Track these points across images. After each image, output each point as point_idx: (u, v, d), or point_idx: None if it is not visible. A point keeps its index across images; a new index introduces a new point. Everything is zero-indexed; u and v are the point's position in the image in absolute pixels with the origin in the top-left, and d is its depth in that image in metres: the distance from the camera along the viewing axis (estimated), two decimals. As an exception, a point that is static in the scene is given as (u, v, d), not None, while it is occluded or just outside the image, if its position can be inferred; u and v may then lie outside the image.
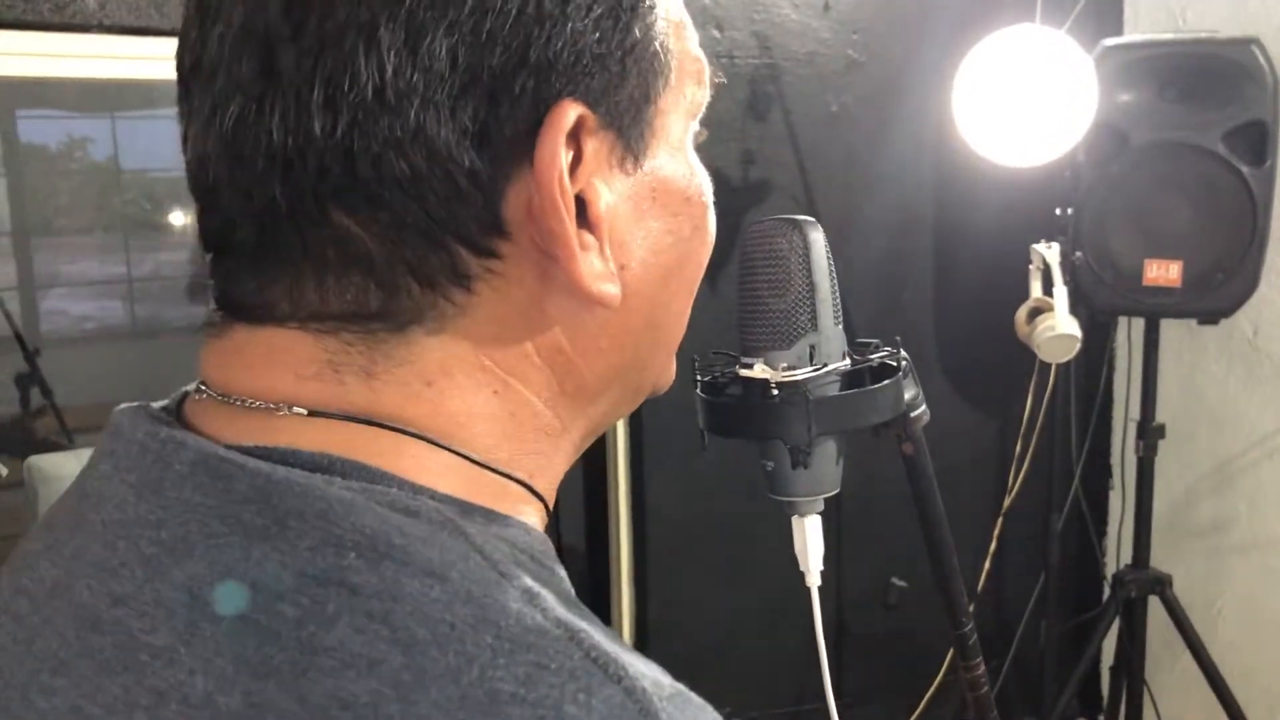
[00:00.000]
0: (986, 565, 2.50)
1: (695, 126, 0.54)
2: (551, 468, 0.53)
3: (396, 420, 0.46)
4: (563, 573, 0.48)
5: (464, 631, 0.39)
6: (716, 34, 2.16)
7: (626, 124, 0.48)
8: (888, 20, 2.32)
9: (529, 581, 0.43)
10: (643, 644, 2.24)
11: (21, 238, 4.82)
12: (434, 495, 0.45)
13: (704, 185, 0.53)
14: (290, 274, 0.46)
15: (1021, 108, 1.89)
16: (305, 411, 0.46)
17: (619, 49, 0.46)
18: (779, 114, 2.24)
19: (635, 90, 0.47)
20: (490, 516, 0.47)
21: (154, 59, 1.84)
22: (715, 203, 0.54)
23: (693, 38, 0.53)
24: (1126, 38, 2.20)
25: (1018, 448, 2.48)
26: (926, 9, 2.33)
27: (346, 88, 0.42)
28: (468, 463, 0.48)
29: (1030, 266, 2.11)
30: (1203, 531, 2.58)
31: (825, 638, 0.76)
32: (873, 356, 0.75)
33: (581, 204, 0.46)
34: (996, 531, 2.50)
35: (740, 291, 0.71)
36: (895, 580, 2.46)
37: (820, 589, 0.77)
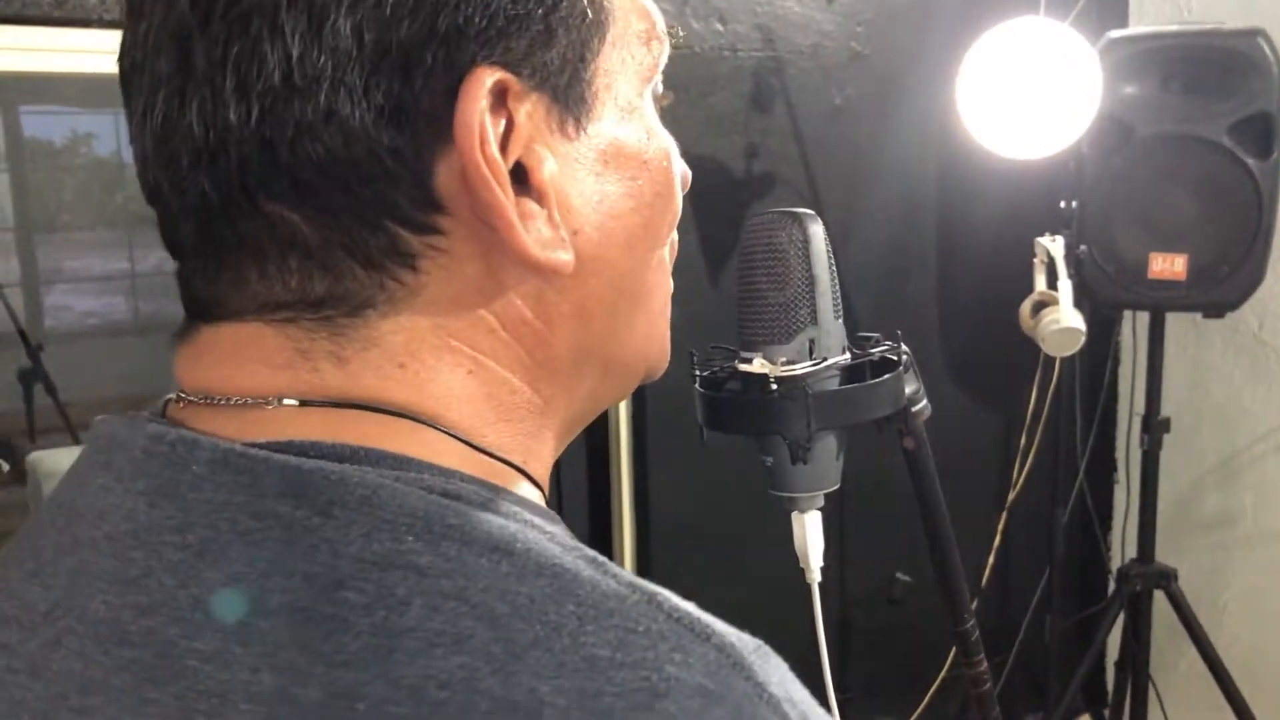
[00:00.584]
0: (990, 560, 2.50)
1: (654, 89, 0.53)
2: (541, 450, 0.52)
3: (383, 405, 0.46)
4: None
5: (544, 603, 0.39)
6: (720, 27, 2.15)
7: (561, 86, 0.46)
8: (891, 13, 2.30)
9: (589, 551, 0.43)
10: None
11: (25, 233, 4.82)
12: (462, 477, 0.45)
13: (666, 149, 0.52)
14: (231, 266, 0.46)
15: (1026, 100, 1.88)
16: (296, 402, 0.45)
17: (539, 8, 0.45)
18: (782, 107, 2.23)
19: (567, 50, 0.46)
20: (515, 498, 0.47)
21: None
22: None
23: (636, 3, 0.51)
24: (1131, 30, 2.18)
25: (1021, 442, 2.47)
26: (930, 1, 2.32)
27: (255, 75, 0.42)
28: (466, 446, 0.47)
29: (1034, 260, 2.11)
30: (1208, 525, 2.57)
31: (828, 633, 0.75)
32: (873, 351, 0.74)
33: (524, 171, 0.46)
34: (1000, 526, 2.50)
35: (740, 285, 0.71)
36: (899, 575, 2.46)
37: (823, 584, 0.76)
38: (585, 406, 0.55)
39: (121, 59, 0.47)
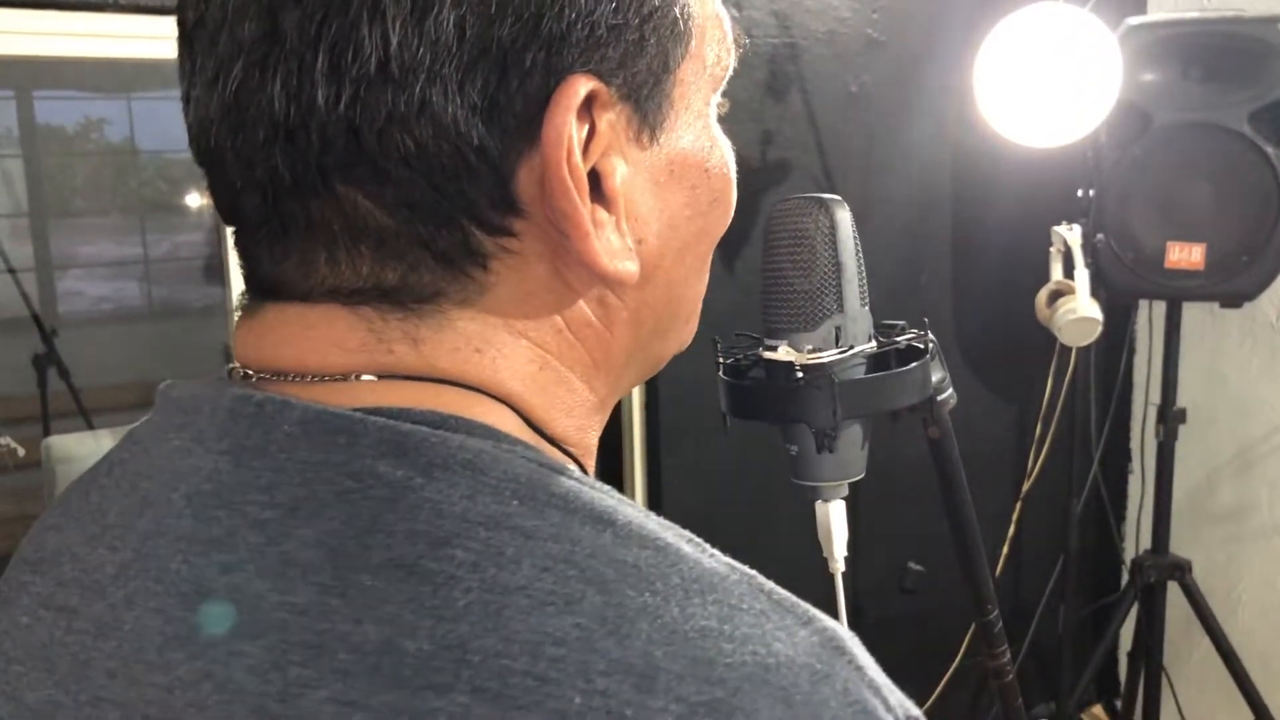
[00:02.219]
0: (1005, 549, 2.49)
1: (718, 96, 0.52)
2: (590, 444, 0.53)
3: (463, 381, 0.46)
4: None
5: (650, 573, 0.40)
6: (735, 13, 2.14)
7: (644, 96, 0.46)
8: (908, -1, 2.29)
9: (685, 531, 0.43)
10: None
11: (39, 219, 4.84)
12: (543, 455, 0.45)
13: (726, 156, 0.52)
14: (300, 247, 0.45)
15: (1043, 87, 1.86)
16: (374, 378, 0.45)
17: (636, 18, 0.44)
18: (798, 94, 2.22)
19: (654, 61, 0.46)
20: (593, 481, 0.47)
21: (171, 39, 1.83)
22: (736, 183, 0.53)
23: (715, 10, 0.51)
24: (1150, 16, 2.17)
25: (1037, 432, 2.46)
26: (947, -12, 2.31)
27: (350, 58, 0.41)
28: (536, 433, 0.48)
29: (1051, 249, 2.09)
30: (1223, 517, 2.56)
31: (839, 622, 0.75)
32: (899, 339, 0.74)
33: (597, 178, 0.45)
34: (1015, 515, 2.49)
35: (764, 272, 0.70)
36: (912, 564, 2.45)
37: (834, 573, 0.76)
38: (624, 390, 0.56)
39: (185, 9, 0.46)
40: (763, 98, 2.19)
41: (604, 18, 0.43)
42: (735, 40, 0.53)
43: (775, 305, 0.69)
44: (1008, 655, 0.87)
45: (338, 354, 0.45)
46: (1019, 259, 2.27)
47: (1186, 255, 2.09)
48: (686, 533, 0.43)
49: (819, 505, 0.73)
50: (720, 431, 0.73)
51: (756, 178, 2.18)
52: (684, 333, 0.57)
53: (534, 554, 0.39)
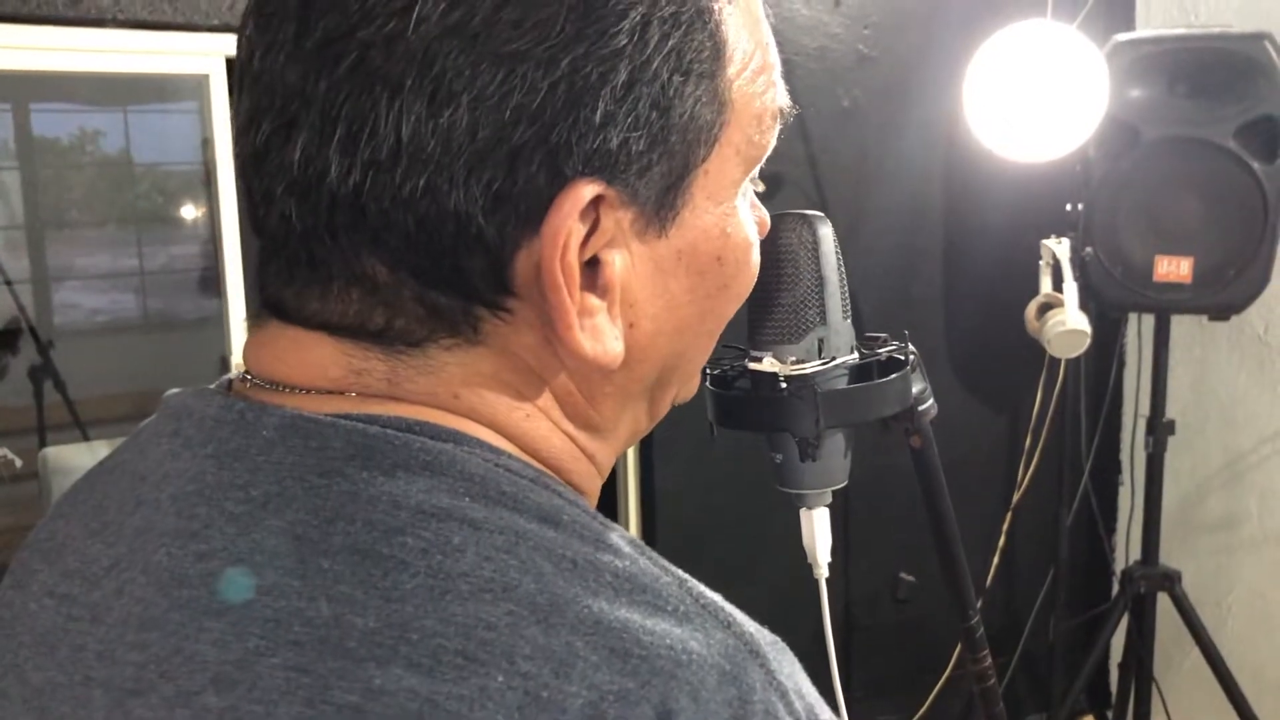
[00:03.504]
0: (995, 560, 2.50)
1: (755, 171, 0.53)
2: (590, 479, 0.55)
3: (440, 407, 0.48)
4: None
5: (585, 568, 0.42)
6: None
7: (656, 198, 0.47)
8: (899, 15, 2.31)
9: (630, 534, 0.46)
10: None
11: (35, 231, 4.84)
12: (510, 456, 0.48)
13: (745, 241, 0.52)
14: (303, 279, 0.47)
15: (1032, 103, 1.89)
16: (355, 394, 0.47)
17: (654, 131, 0.45)
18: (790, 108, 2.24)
19: (674, 165, 0.47)
20: (560, 484, 0.49)
21: (167, 53, 1.85)
22: None
23: (772, 81, 0.51)
24: (1138, 33, 2.19)
25: (1027, 443, 2.48)
26: (938, 3, 2.33)
27: (365, 139, 0.43)
28: (524, 453, 0.50)
29: (1040, 262, 2.11)
30: (1213, 527, 2.57)
31: (834, 632, 0.77)
32: (881, 350, 0.75)
33: (597, 264, 0.47)
34: (1005, 526, 2.51)
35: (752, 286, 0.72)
36: (904, 575, 2.46)
37: (829, 582, 0.78)
38: (624, 444, 0.57)
39: (240, 46, 0.48)
40: (755, 112, 2.21)
41: (618, 131, 0.44)
42: (782, 114, 0.52)
43: (760, 318, 0.71)
44: (989, 660, 0.89)
45: (322, 380, 0.48)
46: (1009, 272, 2.29)
47: (1175, 268, 2.11)
48: (631, 535, 0.46)
49: (803, 512, 0.75)
50: (712, 442, 0.75)
51: (749, 191, 2.20)
52: (682, 391, 0.58)
53: (479, 544, 0.42)
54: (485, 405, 0.48)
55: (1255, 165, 2.01)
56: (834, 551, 0.77)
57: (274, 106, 0.45)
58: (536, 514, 0.44)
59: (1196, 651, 2.24)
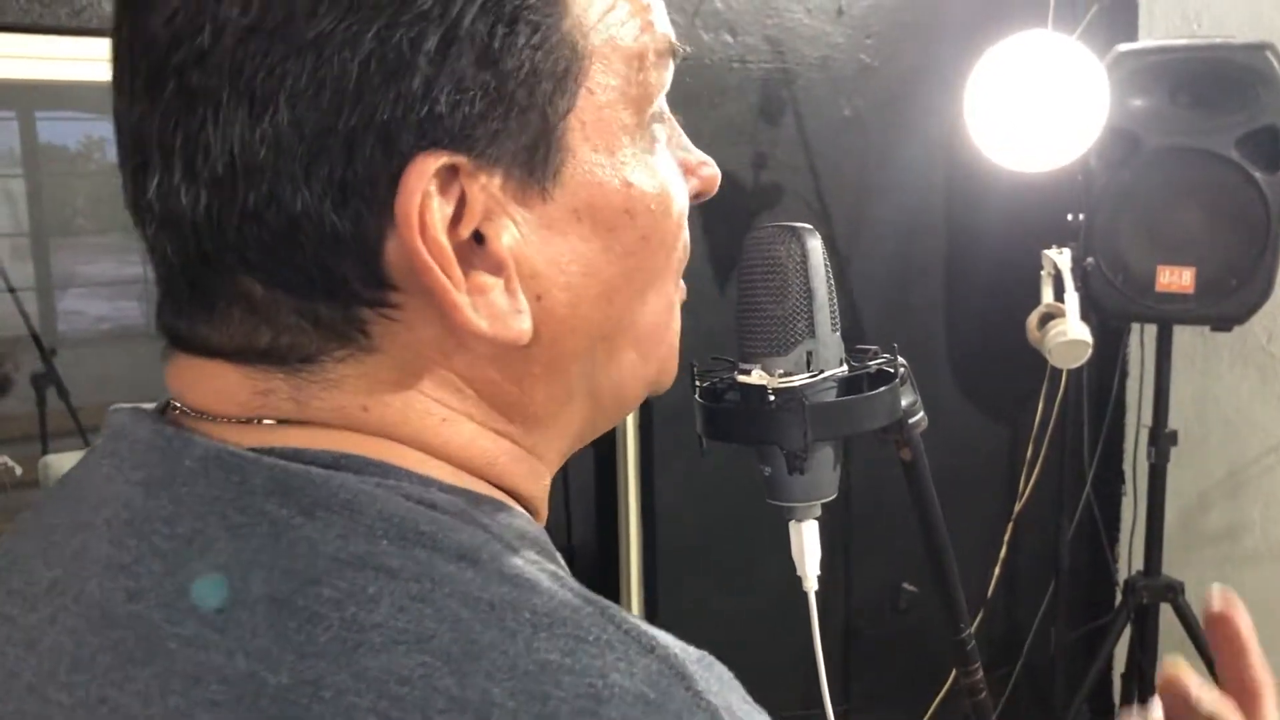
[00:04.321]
0: (997, 571, 2.50)
1: (657, 111, 0.50)
2: (531, 481, 0.53)
3: (361, 428, 0.47)
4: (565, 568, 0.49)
5: (503, 609, 0.41)
6: (729, 38, 2.17)
7: (522, 154, 0.45)
8: (901, 25, 2.32)
9: (550, 565, 0.45)
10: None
11: (39, 238, 4.85)
12: (441, 487, 0.46)
13: (656, 188, 0.50)
14: (188, 308, 0.47)
15: (1032, 113, 1.89)
16: (274, 422, 0.47)
17: (489, 90, 0.44)
18: (791, 118, 2.24)
19: (528, 116, 0.45)
20: (496, 505, 0.48)
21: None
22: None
23: (646, 19, 0.49)
24: (1140, 43, 2.19)
25: (1028, 453, 2.47)
26: (939, 14, 2.33)
27: (201, 161, 0.43)
28: (450, 466, 0.49)
29: (1042, 272, 2.11)
30: (1216, 539, 2.57)
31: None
32: (870, 363, 0.75)
33: (484, 242, 0.46)
34: (1007, 537, 2.50)
35: (739, 298, 0.72)
36: (905, 585, 2.46)
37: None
38: (583, 433, 0.55)
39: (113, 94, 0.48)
40: (756, 122, 2.21)
41: (444, 93, 0.43)
42: (670, 50, 0.50)
43: (749, 330, 0.71)
44: (981, 673, 0.89)
45: (233, 406, 0.47)
46: (1011, 282, 2.28)
47: (1176, 279, 2.10)
48: (553, 566, 0.45)
49: (792, 525, 0.74)
50: (704, 454, 0.75)
51: (750, 201, 2.21)
52: (649, 369, 0.55)
53: (394, 593, 0.41)
54: (397, 416, 0.47)
55: (1257, 175, 2.01)
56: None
57: (128, 150, 0.46)
58: (455, 553, 0.43)
59: (1200, 663, 2.23)
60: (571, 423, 0.54)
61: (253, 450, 0.45)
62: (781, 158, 2.25)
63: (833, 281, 0.71)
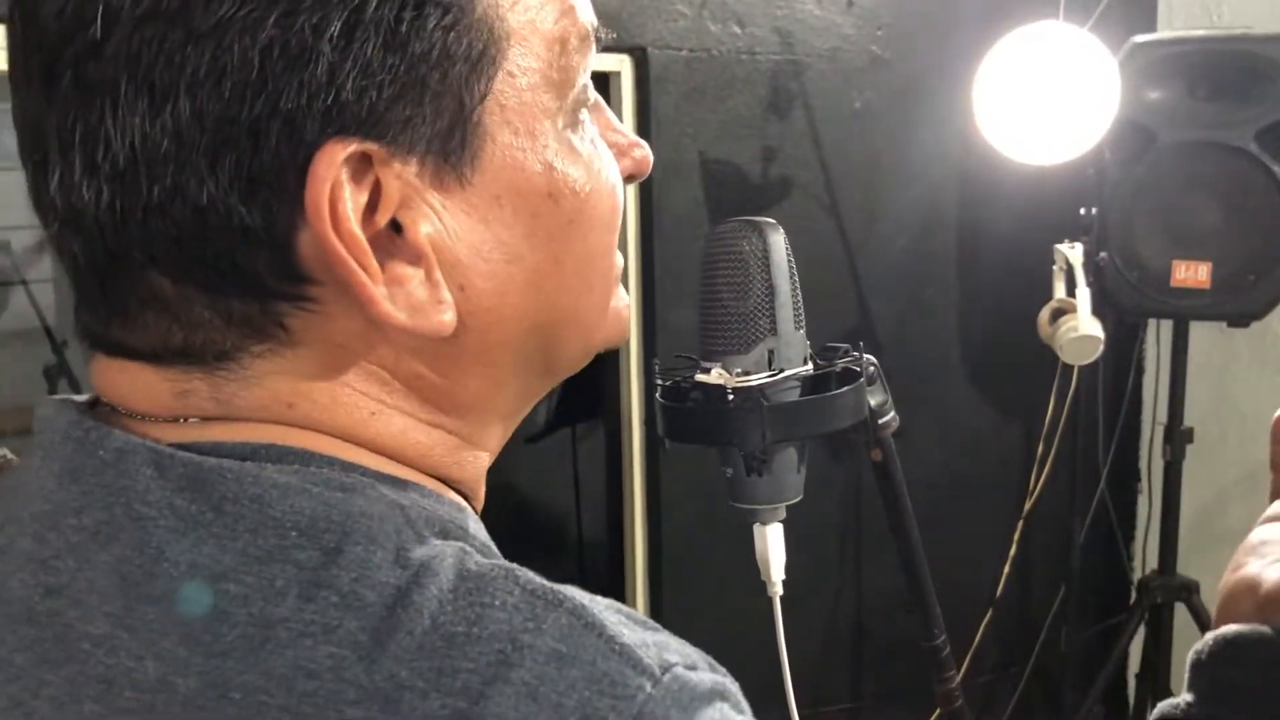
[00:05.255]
0: (1006, 569, 2.47)
1: (581, 95, 0.49)
2: (473, 464, 0.52)
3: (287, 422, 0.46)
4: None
5: (408, 589, 0.40)
6: (737, 30, 2.14)
7: (437, 140, 0.44)
8: (911, 16, 2.29)
9: (459, 545, 0.44)
10: (657, 643, 2.23)
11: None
12: (365, 471, 0.46)
13: (583, 171, 0.49)
14: (102, 310, 0.46)
15: (1043, 105, 1.86)
16: (195, 419, 0.46)
17: (398, 75, 0.42)
18: (801, 111, 2.22)
19: (442, 101, 0.44)
20: (423, 492, 0.47)
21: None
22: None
23: (565, 5, 0.48)
24: (1156, 34, 2.15)
25: (1039, 450, 2.44)
26: (951, 4, 2.30)
27: (102, 156, 0.42)
28: (382, 457, 0.48)
29: (1054, 267, 2.08)
30: (1233, 537, 2.50)
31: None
32: (837, 362, 0.73)
33: (401, 231, 0.45)
34: (1017, 535, 2.47)
35: (701, 294, 0.70)
36: (916, 582, 2.44)
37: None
38: (524, 408, 0.55)
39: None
40: (765, 115, 2.19)
41: (351, 83, 0.41)
42: (592, 37, 0.49)
43: (710, 328, 0.69)
44: (956, 682, 0.87)
45: (155, 406, 0.46)
46: (1024, 276, 2.26)
47: (1192, 274, 2.07)
48: (457, 543, 0.44)
49: (756, 528, 0.73)
50: (664, 450, 0.74)
51: (758, 195, 2.19)
52: (593, 341, 0.54)
53: (302, 583, 0.40)
54: (323, 412, 0.46)
55: (1276, 169, 1.98)
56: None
57: (28, 147, 0.44)
58: (364, 537, 0.42)
59: (1214, 664, 2.19)
60: (509, 403, 0.53)
61: (171, 445, 0.44)
62: (791, 151, 2.22)
63: (797, 278, 0.70)
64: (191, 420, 0.46)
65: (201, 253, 0.43)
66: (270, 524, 0.41)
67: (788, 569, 0.75)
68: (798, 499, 0.73)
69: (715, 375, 0.67)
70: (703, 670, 0.42)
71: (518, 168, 0.47)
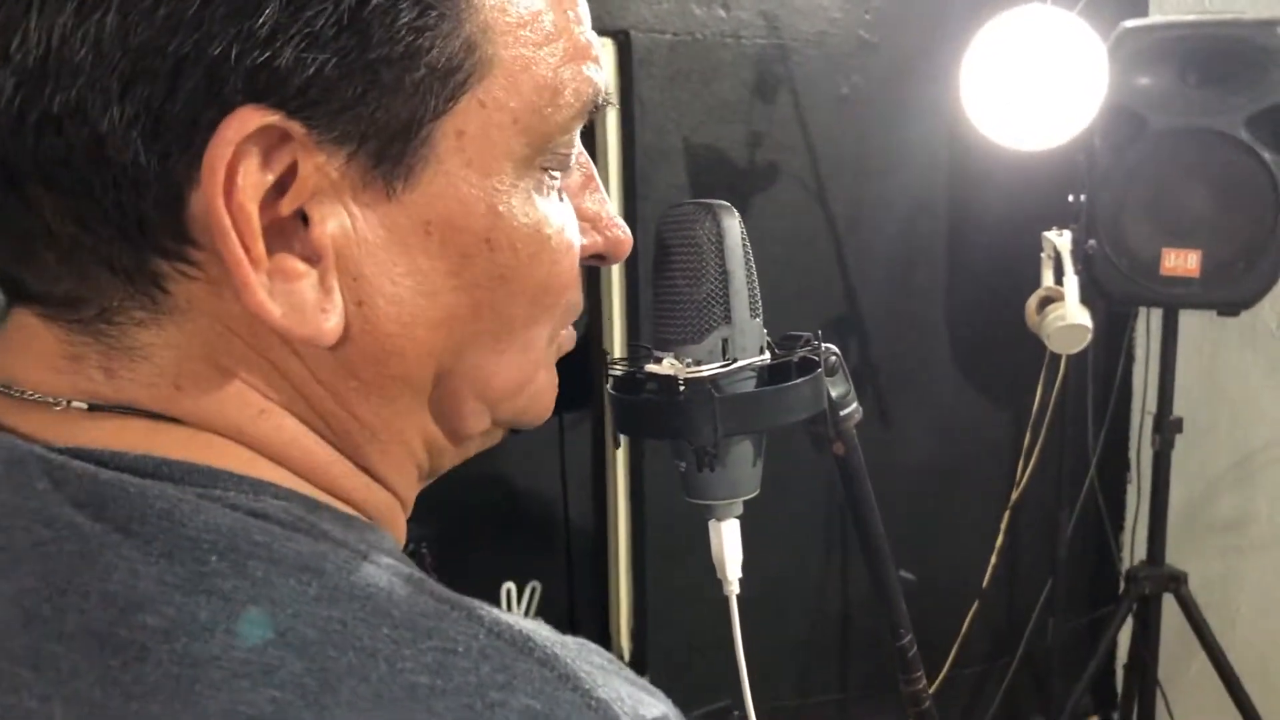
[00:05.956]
0: (993, 560, 2.45)
1: (562, 152, 0.46)
2: (381, 504, 0.48)
3: (178, 417, 0.43)
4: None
5: (357, 627, 0.37)
6: (722, 13, 2.11)
7: (372, 146, 0.41)
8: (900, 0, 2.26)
9: (405, 568, 0.41)
10: (641, 634, 2.22)
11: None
12: (277, 493, 0.42)
13: (536, 231, 0.46)
14: (5, 245, 0.42)
15: (1031, 91, 1.83)
16: (85, 405, 0.42)
17: (349, 57, 0.39)
18: (787, 96, 2.19)
19: (388, 108, 0.40)
20: (336, 515, 0.44)
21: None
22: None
23: (572, 56, 0.45)
24: (1147, 19, 2.12)
25: (1027, 440, 2.42)
26: (941, -12, 2.27)
27: (14, 47, 0.38)
28: (282, 468, 0.44)
29: (1042, 254, 2.06)
30: (1221, 528, 2.51)
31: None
32: (795, 351, 0.71)
33: (306, 224, 0.41)
34: (1004, 525, 2.45)
35: (655, 281, 0.68)
36: (903, 573, 2.41)
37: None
38: (434, 458, 0.51)
39: None
40: (751, 99, 2.16)
41: (291, 49, 0.38)
42: (595, 102, 0.46)
43: (663, 316, 0.67)
44: (923, 682, 0.85)
45: (49, 374, 0.43)
46: (1013, 264, 2.23)
47: (1182, 262, 2.05)
48: (408, 569, 0.40)
49: (712, 524, 0.70)
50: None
51: (743, 181, 2.16)
52: (497, 409, 0.51)
53: (231, 617, 0.37)
54: (213, 403, 0.43)
55: (1266, 155, 1.95)
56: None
57: None
58: (295, 564, 0.38)
59: (1203, 654, 2.18)
60: (415, 451, 0.49)
61: (62, 452, 0.41)
62: (777, 137, 2.19)
63: (753, 264, 0.67)
64: (77, 405, 0.42)
65: (89, 182, 0.39)
66: (184, 546, 0.38)
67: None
68: (754, 494, 0.70)
69: (667, 365, 0.65)
70: None
71: (458, 200, 0.43)
